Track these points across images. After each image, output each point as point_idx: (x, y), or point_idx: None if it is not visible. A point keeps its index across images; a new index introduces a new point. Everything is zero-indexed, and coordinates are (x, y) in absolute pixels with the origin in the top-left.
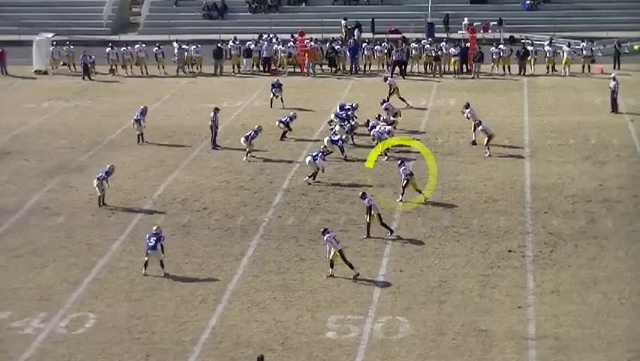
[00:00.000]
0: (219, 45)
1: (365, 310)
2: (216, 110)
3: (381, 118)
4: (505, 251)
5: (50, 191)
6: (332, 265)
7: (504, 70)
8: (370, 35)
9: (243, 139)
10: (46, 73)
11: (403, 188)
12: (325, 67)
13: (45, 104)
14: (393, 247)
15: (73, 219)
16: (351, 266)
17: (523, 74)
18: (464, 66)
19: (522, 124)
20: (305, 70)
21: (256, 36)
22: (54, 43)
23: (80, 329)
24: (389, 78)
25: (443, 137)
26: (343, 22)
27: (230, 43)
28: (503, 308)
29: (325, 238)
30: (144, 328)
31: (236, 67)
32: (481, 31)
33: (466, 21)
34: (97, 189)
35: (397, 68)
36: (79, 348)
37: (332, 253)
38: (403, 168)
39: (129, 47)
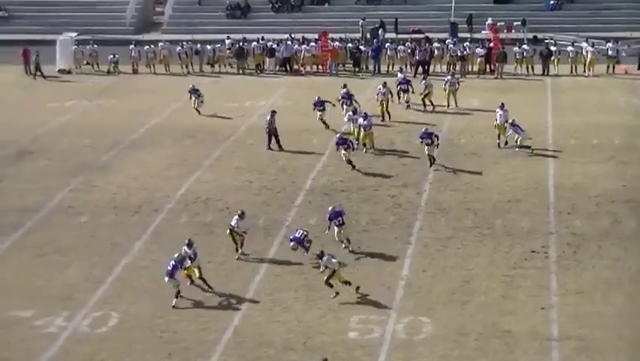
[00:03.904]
0: (241, 45)
1: (387, 311)
2: (273, 112)
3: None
4: (528, 252)
5: (73, 190)
6: (331, 285)
7: (527, 70)
8: (394, 35)
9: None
10: (69, 72)
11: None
12: (348, 66)
13: (68, 104)
14: (415, 248)
15: (96, 219)
16: (349, 283)
17: (547, 74)
18: (488, 66)
19: (546, 124)
20: (327, 70)
21: (278, 36)
22: (77, 42)
23: (102, 328)
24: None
25: (466, 137)
26: (361, 22)
27: (254, 43)
28: (526, 309)
29: (325, 259)
30: (166, 327)
31: (260, 66)
32: (505, 31)
33: (489, 21)
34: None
35: (420, 68)
36: (101, 347)
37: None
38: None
39: (152, 46)
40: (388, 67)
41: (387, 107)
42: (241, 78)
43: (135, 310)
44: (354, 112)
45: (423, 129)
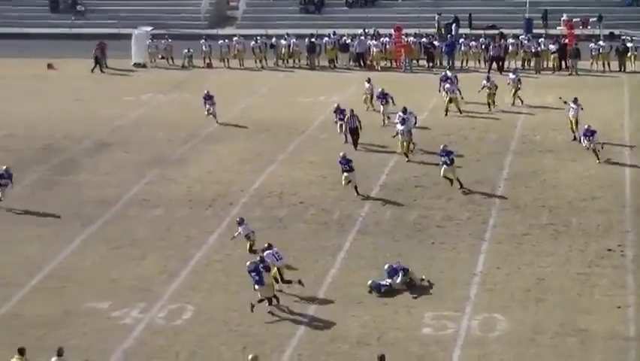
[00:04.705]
0: (312, 40)
1: (462, 307)
2: (352, 111)
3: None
4: (604, 250)
5: (149, 183)
6: (277, 281)
7: (604, 66)
8: (468, 31)
9: None
10: (144, 66)
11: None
12: (422, 62)
13: (144, 97)
14: (490, 245)
15: (171, 212)
16: (290, 282)
17: (623, 70)
18: (563, 63)
19: (622, 122)
20: (401, 65)
21: (353, 31)
22: (151, 37)
23: (177, 320)
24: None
25: (541, 133)
26: (437, 17)
27: (326, 38)
28: (603, 308)
29: (265, 254)
30: (241, 320)
31: (333, 61)
32: (580, 27)
33: (564, 17)
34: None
35: (495, 64)
36: (177, 339)
37: (273, 270)
38: (243, 227)
39: (227, 41)
40: (462, 62)
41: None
42: (314, 73)
43: (210, 303)
44: (404, 111)
45: (441, 146)
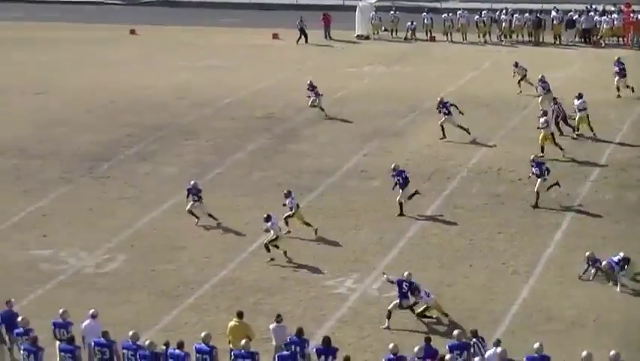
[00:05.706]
0: (538, 15)
1: None
2: (555, 99)
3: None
4: None
5: (367, 155)
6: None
7: None
8: None
9: None
10: (367, 38)
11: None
12: None
13: (365, 69)
14: None
15: (389, 184)
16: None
17: None
18: None
19: None
20: (629, 42)
21: (579, 6)
22: (375, 9)
23: (391, 292)
24: None
25: None
26: None
27: (553, 13)
28: None
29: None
30: (454, 295)
31: (558, 37)
32: None
33: None
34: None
35: None
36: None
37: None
38: (290, 199)
39: (450, 14)
40: None
41: None
42: (538, 49)
43: (423, 276)
44: (579, 97)
45: (532, 157)
